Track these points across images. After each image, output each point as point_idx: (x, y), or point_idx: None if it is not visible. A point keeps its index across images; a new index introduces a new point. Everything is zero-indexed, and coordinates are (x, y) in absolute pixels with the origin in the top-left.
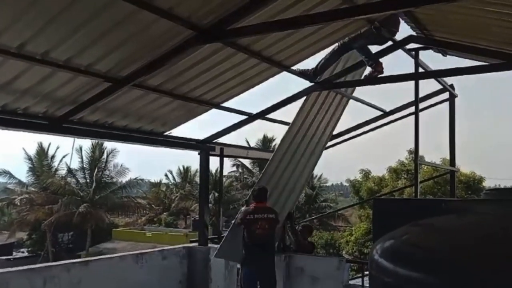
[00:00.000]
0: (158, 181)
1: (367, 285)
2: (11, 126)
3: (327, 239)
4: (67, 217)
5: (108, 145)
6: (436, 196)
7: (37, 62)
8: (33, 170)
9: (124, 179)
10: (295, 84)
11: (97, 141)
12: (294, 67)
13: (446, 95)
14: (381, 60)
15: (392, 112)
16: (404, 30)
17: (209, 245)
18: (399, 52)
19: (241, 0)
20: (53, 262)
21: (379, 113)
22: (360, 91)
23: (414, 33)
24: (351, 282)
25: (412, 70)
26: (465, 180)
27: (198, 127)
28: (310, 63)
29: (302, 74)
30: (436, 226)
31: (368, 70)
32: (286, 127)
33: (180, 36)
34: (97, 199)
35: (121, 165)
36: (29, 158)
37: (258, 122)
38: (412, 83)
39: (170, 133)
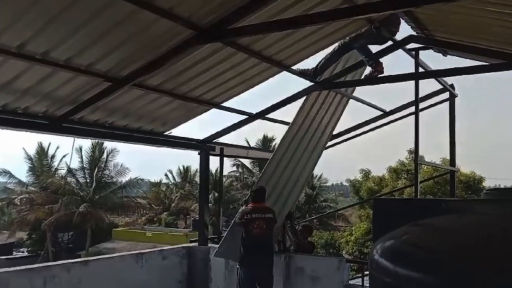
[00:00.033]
0: (158, 181)
1: (367, 285)
2: (11, 126)
3: (327, 239)
4: (67, 217)
5: (108, 145)
6: (436, 196)
7: (37, 62)
8: (33, 170)
9: (124, 179)
10: (295, 84)
11: (97, 140)
12: (294, 67)
13: (446, 95)
14: (381, 60)
15: (392, 112)
16: (404, 30)
17: (209, 245)
18: (399, 52)
19: (241, 0)
20: (53, 262)
21: (379, 113)
22: (360, 91)
23: (414, 33)
24: (351, 282)
25: (412, 70)
26: (465, 180)
27: (198, 127)
28: (310, 62)
29: (302, 74)
30: (436, 226)
31: (368, 70)
32: (286, 127)
33: (180, 36)
34: (97, 199)
35: (121, 165)
36: (29, 158)
37: (258, 122)
38: (412, 83)
39: (170, 132)
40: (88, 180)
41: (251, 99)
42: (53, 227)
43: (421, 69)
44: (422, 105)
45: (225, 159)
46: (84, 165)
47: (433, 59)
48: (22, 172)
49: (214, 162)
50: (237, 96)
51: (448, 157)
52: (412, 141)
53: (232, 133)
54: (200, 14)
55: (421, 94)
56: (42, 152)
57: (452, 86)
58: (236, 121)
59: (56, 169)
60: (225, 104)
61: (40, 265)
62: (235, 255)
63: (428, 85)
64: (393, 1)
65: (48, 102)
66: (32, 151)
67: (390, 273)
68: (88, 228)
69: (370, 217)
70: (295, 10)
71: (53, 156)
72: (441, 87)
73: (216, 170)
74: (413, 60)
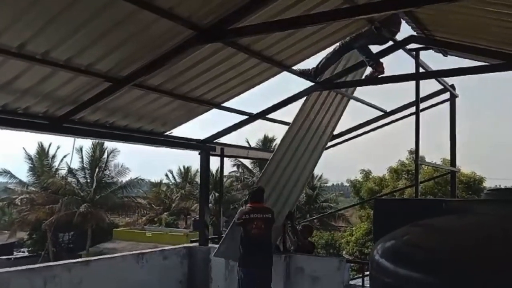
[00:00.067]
0: (159, 181)
1: (368, 285)
2: (11, 126)
3: (328, 239)
4: (68, 217)
5: (109, 145)
6: (436, 197)
7: (37, 62)
8: (34, 170)
9: (124, 179)
10: (295, 84)
11: (97, 141)
12: (294, 67)
13: (446, 95)
14: (381, 60)
15: (393, 112)
16: (405, 30)
17: (210, 245)
18: (400, 52)
19: (241, 0)
20: (53, 262)
21: (380, 113)
22: (360, 91)
23: (414, 33)
24: (352, 282)
25: (413, 70)
26: (465, 181)
27: (198, 127)
28: (311, 63)
29: (302, 74)
30: (437, 226)
31: (369, 70)
32: (286, 127)
33: (181, 36)
34: (98, 199)
35: (122, 165)
36: (30, 158)
37: (259, 122)
38: (412, 83)
39: (171, 133)
40: (88, 180)
41: (252, 99)
42: (53, 227)
43: (421, 70)
44: (422, 105)
45: (225, 159)
46: (85, 165)
47: (433, 59)
48: (22, 172)
49: (214, 162)
50: (238, 96)
51: (448, 157)
52: (412, 141)
53: (233, 133)
54: (200, 14)
55: (421, 94)
56: (42, 152)
57: (452, 86)
58: (236, 121)
59: (57, 169)
60: (225, 104)
61: (41, 265)
62: (235, 255)
63: (429, 85)
64: (394, 1)
65: (48, 102)
66: (32, 151)
67: (390, 274)
68: (89, 228)
69: (370, 217)
70: (296, 10)
71: (53, 156)
72: (442, 87)
73: (217, 170)
74: (413, 60)
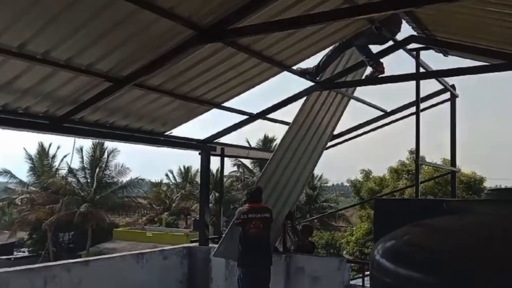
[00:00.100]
0: (159, 181)
1: (368, 285)
2: (12, 126)
3: (328, 239)
4: (68, 217)
5: (109, 145)
6: (437, 197)
7: (37, 61)
8: (34, 170)
9: (125, 179)
10: (295, 84)
11: (97, 141)
12: (294, 67)
13: (447, 95)
14: (382, 60)
15: (393, 112)
16: (405, 30)
17: (210, 245)
18: (400, 52)
19: (241, 0)
20: (53, 262)
21: (380, 113)
22: (361, 91)
23: (415, 33)
24: (352, 282)
25: (413, 70)
26: (466, 181)
27: (199, 127)
28: (311, 63)
29: (303, 73)
30: (437, 226)
31: (369, 70)
32: (286, 127)
33: (181, 36)
34: (98, 199)
35: (122, 165)
36: (30, 158)
37: (259, 122)
38: (413, 83)
39: (171, 133)
40: (89, 180)
41: (252, 99)
42: (54, 227)
43: (422, 69)
44: (423, 105)
45: (225, 159)
46: (85, 165)
47: (434, 59)
48: (23, 172)
49: (214, 162)
50: (238, 96)
51: (449, 157)
52: (413, 141)
53: (233, 133)
54: (200, 14)
55: (422, 94)
56: (43, 152)
57: (453, 86)
58: (237, 121)
59: (57, 169)
60: (225, 104)
61: (41, 265)
62: (234, 255)
63: (429, 85)
64: (394, 1)
65: (48, 102)
66: (33, 151)
67: (391, 274)
68: (89, 228)
69: (371, 217)
70: (296, 10)
71: (54, 156)
72: (442, 87)
73: (217, 170)
74: (414, 60)
